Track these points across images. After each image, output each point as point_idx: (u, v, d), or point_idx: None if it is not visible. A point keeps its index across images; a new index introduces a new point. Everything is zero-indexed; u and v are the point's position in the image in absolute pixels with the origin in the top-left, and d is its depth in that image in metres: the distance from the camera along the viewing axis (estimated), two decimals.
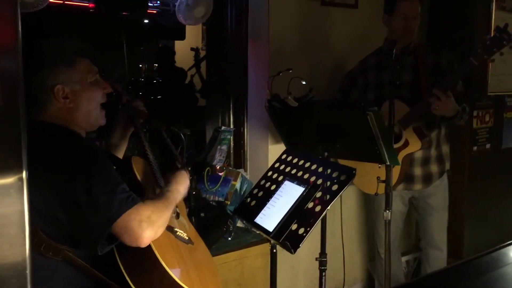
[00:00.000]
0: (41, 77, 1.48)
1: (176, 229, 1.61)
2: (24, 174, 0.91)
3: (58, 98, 1.50)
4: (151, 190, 1.63)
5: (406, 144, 2.53)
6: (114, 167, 1.48)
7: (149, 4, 4.08)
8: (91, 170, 1.40)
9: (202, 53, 5.19)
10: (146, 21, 5.26)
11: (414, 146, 2.52)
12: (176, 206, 1.67)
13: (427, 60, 2.62)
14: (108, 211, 1.35)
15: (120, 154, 1.86)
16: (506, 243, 1.38)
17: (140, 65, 6.27)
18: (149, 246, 1.39)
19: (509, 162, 3.66)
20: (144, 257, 1.40)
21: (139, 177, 1.62)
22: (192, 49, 5.27)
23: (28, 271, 0.93)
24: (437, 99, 2.33)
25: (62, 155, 1.42)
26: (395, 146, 2.48)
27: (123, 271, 1.41)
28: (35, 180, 1.10)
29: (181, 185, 1.64)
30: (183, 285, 1.41)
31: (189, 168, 2.19)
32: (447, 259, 2.86)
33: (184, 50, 5.65)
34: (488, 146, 3.43)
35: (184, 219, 1.77)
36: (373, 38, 2.88)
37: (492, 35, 2.30)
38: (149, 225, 1.37)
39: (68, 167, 1.39)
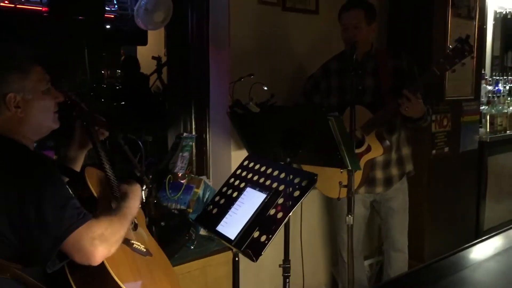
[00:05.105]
0: None
1: (132, 241, 1.55)
2: None
3: (10, 107, 1.44)
4: (106, 203, 1.57)
5: (368, 149, 2.55)
6: (67, 179, 1.41)
7: (107, 8, 3.99)
8: (40, 185, 1.33)
9: (165, 60, 5.10)
10: (107, 26, 5.15)
11: (376, 152, 2.55)
12: (135, 217, 1.61)
13: (387, 64, 2.66)
14: (58, 228, 1.29)
15: (77, 167, 1.79)
16: (464, 246, 1.40)
17: (103, 71, 6.15)
18: (102, 261, 1.33)
19: (467, 165, 3.76)
20: (97, 274, 1.34)
21: (93, 190, 1.56)
22: (153, 57, 5.15)
23: None
24: (407, 100, 2.36)
25: (9, 170, 1.36)
26: (358, 151, 2.50)
27: None
28: None
29: (137, 200, 1.59)
30: None
31: (150, 176, 2.14)
32: (408, 261, 2.90)
33: (147, 56, 5.55)
34: (446, 149, 3.50)
35: (142, 230, 1.71)
36: (333, 43, 2.91)
37: (454, 46, 2.34)
38: (101, 243, 1.32)
39: (15, 183, 1.32)
